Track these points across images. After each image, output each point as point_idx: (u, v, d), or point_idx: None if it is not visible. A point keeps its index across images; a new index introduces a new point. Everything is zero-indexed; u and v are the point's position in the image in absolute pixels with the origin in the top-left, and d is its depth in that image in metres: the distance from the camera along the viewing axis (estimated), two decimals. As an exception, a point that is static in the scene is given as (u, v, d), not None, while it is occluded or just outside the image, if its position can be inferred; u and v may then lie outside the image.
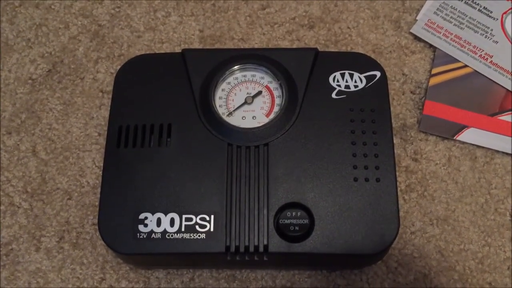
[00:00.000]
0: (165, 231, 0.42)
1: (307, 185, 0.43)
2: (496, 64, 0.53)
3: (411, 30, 0.55)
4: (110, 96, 0.48)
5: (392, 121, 0.50)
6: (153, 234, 0.42)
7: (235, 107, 0.47)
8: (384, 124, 0.45)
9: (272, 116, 0.46)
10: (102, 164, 0.47)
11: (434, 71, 0.53)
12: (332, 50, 0.54)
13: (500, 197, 0.48)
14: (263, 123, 0.45)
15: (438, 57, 0.53)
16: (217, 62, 0.48)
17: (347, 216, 0.42)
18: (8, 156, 0.51)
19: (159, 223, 0.42)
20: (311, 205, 0.42)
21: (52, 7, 0.58)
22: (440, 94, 0.52)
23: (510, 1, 0.56)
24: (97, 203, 0.48)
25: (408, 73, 0.53)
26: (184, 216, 0.42)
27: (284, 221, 0.42)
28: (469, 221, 0.48)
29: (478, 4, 0.56)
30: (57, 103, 0.53)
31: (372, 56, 0.52)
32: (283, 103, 0.46)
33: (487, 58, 0.53)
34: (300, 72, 0.47)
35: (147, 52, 0.55)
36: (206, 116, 0.46)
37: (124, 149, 0.45)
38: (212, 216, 0.42)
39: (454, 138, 0.50)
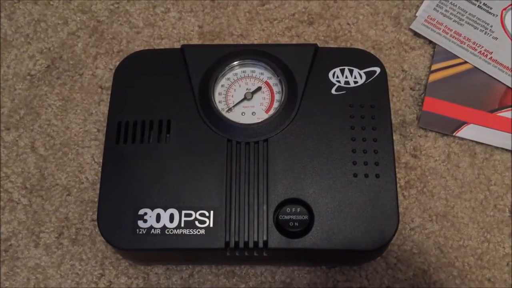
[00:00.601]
0: (164, 227, 0.42)
1: (306, 181, 0.43)
2: (496, 60, 0.53)
3: (410, 27, 0.55)
4: (109, 92, 0.48)
5: (392, 117, 0.50)
6: (153, 229, 0.42)
7: (235, 103, 0.47)
8: (384, 120, 0.45)
9: (271, 112, 0.46)
10: (101, 160, 0.46)
11: (433, 67, 0.53)
12: (332, 46, 0.54)
13: (499, 194, 0.48)
14: (262, 119, 0.45)
15: (438, 53, 0.53)
16: (217, 58, 0.48)
17: (346, 212, 0.42)
18: (7, 152, 0.51)
19: (158, 219, 0.42)
20: (311, 201, 0.42)
21: (51, 2, 0.58)
22: (439, 90, 0.52)
23: (509, -2, 0.56)
24: (96, 199, 0.48)
25: (407, 70, 0.53)
26: (183, 212, 0.42)
27: (283, 217, 0.42)
28: (469, 217, 0.48)
29: (477, 0, 0.56)
30: (56, 99, 0.53)
31: (372, 52, 0.52)
32: (282, 99, 0.46)
33: (486, 55, 0.53)
34: (299, 68, 0.47)
35: (146, 48, 0.54)
36: (206, 112, 0.45)
37: (124, 145, 0.45)
38: (212, 212, 0.42)
39: (454, 134, 0.50)
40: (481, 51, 0.53)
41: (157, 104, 0.46)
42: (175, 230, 0.42)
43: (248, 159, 0.44)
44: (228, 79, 0.48)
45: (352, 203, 0.42)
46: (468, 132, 0.50)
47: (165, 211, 0.42)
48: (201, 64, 0.47)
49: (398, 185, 0.48)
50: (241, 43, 0.55)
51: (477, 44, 0.53)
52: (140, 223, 0.42)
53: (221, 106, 0.46)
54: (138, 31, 0.56)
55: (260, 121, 0.45)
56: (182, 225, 0.42)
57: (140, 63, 0.49)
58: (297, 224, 0.42)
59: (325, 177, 0.43)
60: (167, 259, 0.46)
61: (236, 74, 0.48)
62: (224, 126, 0.45)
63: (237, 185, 0.43)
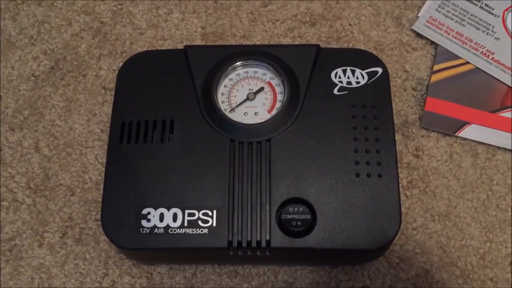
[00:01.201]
0: (167, 226, 0.42)
1: (309, 180, 0.43)
2: (498, 61, 0.53)
3: (412, 27, 0.55)
4: (113, 92, 0.49)
5: (394, 117, 0.50)
6: (156, 229, 0.42)
7: (237, 103, 0.47)
8: (386, 120, 0.45)
9: (274, 112, 0.46)
10: (104, 160, 0.47)
11: (435, 68, 0.53)
12: (334, 47, 0.54)
13: (501, 193, 0.49)
14: (265, 119, 0.46)
15: (440, 54, 0.54)
16: (219, 58, 0.48)
17: (349, 211, 0.42)
18: (11, 153, 0.51)
19: (161, 218, 0.42)
20: (313, 201, 0.43)
21: (55, 4, 0.58)
22: (441, 90, 0.52)
23: (511, -2, 0.56)
24: (99, 199, 0.48)
25: (409, 70, 0.54)
26: (186, 211, 0.42)
27: (286, 216, 0.42)
28: (471, 217, 0.48)
29: (479, 1, 0.56)
30: (60, 100, 0.53)
31: (374, 53, 0.52)
32: (285, 99, 0.46)
33: (488, 55, 0.53)
34: (302, 68, 0.47)
35: (150, 49, 0.55)
36: (209, 112, 0.46)
37: (127, 145, 0.45)
38: (215, 211, 0.42)
39: (456, 134, 0.50)
40: (482, 51, 0.53)
41: (160, 104, 0.46)
42: (178, 229, 0.42)
43: (251, 159, 0.44)
44: (231, 79, 0.48)
45: (354, 202, 0.42)
46: (470, 132, 0.50)
47: (168, 210, 0.42)
48: (204, 65, 0.48)
49: (400, 185, 0.48)
50: (244, 44, 0.55)
51: (479, 44, 0.54)
52: (144, 222, 0.42)
53: (224, 107, 0.47)
54: (141, 32, 0.56)
55: (262, 121, 0.45)
56: (185, 224, 0.42)
57: (143, 64, 0.49)
58: (300, 224, 0.42)
59: (328, 177, 0.43)
60: (170, 259, 0.46)
61: (238, 74, 0.48)
62: (227, 126, 0.45)
63: (240, 184, 0.43)
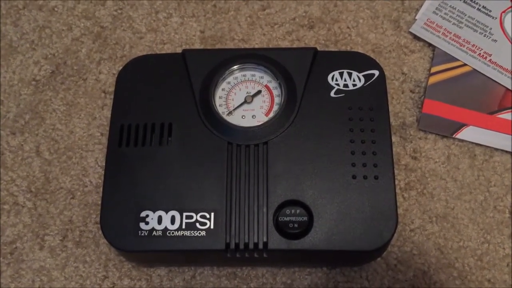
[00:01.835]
0: (166, 229, 0.42)
1: (306, 182, 0.43)
2: (495, 62, 0.53)
3: (410, 30, 0.55)
4: (112, 96, 0.49)
5: (392, 119, 0.51)
6: (154, 231, 0.42)
7: (235, 106, 0.47)
8: (383, 122, 0.46)
9: (271, 115, 0.47)
10: (104, 164, 0.47)
11: (433, 70, 0.53)
12: (332, 50, 0.55)
13: (499, 195, 0.49)
14: (262, 122, 0.46)
15: (437, 56, 0.54)
16: (217, 62, 0.48)
17: (345, 213, 0.42)
18: (12, 156, 0.51)
19: (160, 221, 0.43)
20: (310, 203, 0.43)
21: (55, 9, 0.58)
22: (439, 92, 0.52)
23: (509, 0, 0.56)
24: (99, 202, 0.48)
25: (407, 72, 0.54)
26: (184, 214, 0.43)
27: (283, 219, 0.42)
28: (468, 218, 0.48)
29: (477, 3, 0.56)
30: (60, 104, 0.54)
31: (372, 55, 0.53)
32: (282, 102, 0.47)
33: (486, 57, 0.53)
34: (299, 71, 0.48)
35: (149, 53, 0.55)
36: (206, 116, 0.46)
37: (126, 148, 0.45)
38: (212, 214, 0.43)
39: (453, 136, 0.51)
40: (480, 53, 0.53)
41: (158, 108, 0.47)
42: (176, 231, 0.42)
43: (248, 162, 0.44)
44: (229, 82, 0.48)
45: (351, 204, 0.43)
46: (467, 134, 0.51)
47: (166, 213, 0.43)
48: (202, 68, 0.48)
49: (398, 186, 0.49)
50: (242, 47, 0.56)
51: (476, 46, 0.54)
52: (142, 225, 0.43)
53: (221, 110, 0.47)
54: (141, 36, 0.57)
55: (260, 124, 0.46)
56: (183, 227, 0.42)
57: (142, 68, 0.49)
58: (297, 226, 0.42)
59: (324, 179, 0.44)
60: (169, 261, 0.46)
61: (236, 78, 0.49)
62: (224, 129, 0.45)
63: (237, 187, 0.44)
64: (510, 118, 0.51)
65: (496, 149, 0.50)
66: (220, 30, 0.57)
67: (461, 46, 0.54)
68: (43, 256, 0.48)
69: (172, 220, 0.43)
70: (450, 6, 0.56)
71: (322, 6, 0.57)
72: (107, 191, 0.44)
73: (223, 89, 0.48)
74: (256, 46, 0.56)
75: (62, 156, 0.51)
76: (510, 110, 0.51)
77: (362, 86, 0.47)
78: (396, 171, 0.48)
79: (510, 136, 0.50)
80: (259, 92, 0.48)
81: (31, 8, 0.59)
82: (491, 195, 0.49)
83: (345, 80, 0.47)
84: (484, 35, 0.54)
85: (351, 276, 0.46)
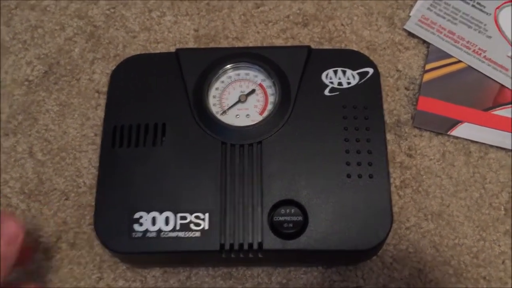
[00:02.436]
0: (160, 230, 0.42)
1: (300, 182, 0.43)
2: (490, 59, 0.53)
3: (404, 27, 0.55)
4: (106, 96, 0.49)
5: (387, 117, 0.51)
6: (148, 233, 0.42)
7: (229, 105, 0.47)
8: (377, 120, 0.46)
9: (265, 114, 0.46)
10: (98, 164, 0.47)
11: (427, 66, 0.53)
12: (326, 47, 0.55)
13: (494, 192, 0.49)
14: (256, 121, 0.46)
15: (432, 52, 0.54)
16: (211, 61, 0.48)
17: (340, 212, 0.42)
18: (5, 158, 0.51)
19: (154, 222, 0.42)
20: (305, 202, 0.43)
21: (48, 8, 0.58)
22: (434, 89, 0.52)
23: (503, -4, 0.56)
24: (93, 203, 0.48)
25: (402, 69, 0.54)
26: (179, 215, 0.43)
27: (278, 218, 0.42)
28: (464, 215, 0.48)
29: (471, 0, 0.56)
30: (54, 104, 0.53)
31: (366, 53, 0.53)
32: (276, 101, 0.46)
33: (480, 53, 0.53)
34: (293, 69, 0.47)
35: (143, 52, 0.55)
36: (200, 115, 0.46)
37: (119, 149, 0.45)
38: (207, 214, 0.43)
39: (448, 133, 0.50)
40: (475, 49, 0.53)
41: (152, 108, 0.47)
42: (170, 233, 0.42)
43: (243, 161, 0.44)
44: (222, 82, 0.48)
45: (346, 203, 0.43)
46: (462, 130, 0.50)
47: (160, 214, 0.43)
48: (195, 68, 0.48)
49: (393, 184, 0.48)
50: (237, 46, 0.55)
51: (471, 43, 0.54)
52: (136, 226, 0.42)
53: (215, 109, 0.47)
54: (134, 35, 0.56)
55: (254, 123, 0.46)
56: (178, 228, 0.42)
57: (135, 67, 0.49)
58: (292, 225, 0.42)
59: (319, 178, 0.43)
60: (163, 262, 0.46)
61: (230, 77, 0.48)
62: (218, 128, 0.45)
63: (231, 187, 0.43)
64: (505, 115, 0.51)
65: (491, 146, 0.50)
66: (214, 29, 0.56)
67: (455, 42, 0.54)
68: (38, 258, 0.47)
69: (166, 221, 0.42)
70: (445, 2, 0.56)
71: (316, 3, 0.57)
72: (101, 192, 0.44)
73: (217, 88, 0.48)
74: (250, 44, 0.55)
75: (56, 157, 0.51)
76: (505, 106, 0.51)
77: (357, 84, 0.47)
78: (391, 169, 0.48)
79: (506, 132, 0.50)
80: (253, 91, 0.48)
81: (23, 7, 0.58)
82: (486, 192, 0.49)
83: (339, 78, 0.47)
84: (479, 32, 0.54)
85: (347, 275, 0.46)
